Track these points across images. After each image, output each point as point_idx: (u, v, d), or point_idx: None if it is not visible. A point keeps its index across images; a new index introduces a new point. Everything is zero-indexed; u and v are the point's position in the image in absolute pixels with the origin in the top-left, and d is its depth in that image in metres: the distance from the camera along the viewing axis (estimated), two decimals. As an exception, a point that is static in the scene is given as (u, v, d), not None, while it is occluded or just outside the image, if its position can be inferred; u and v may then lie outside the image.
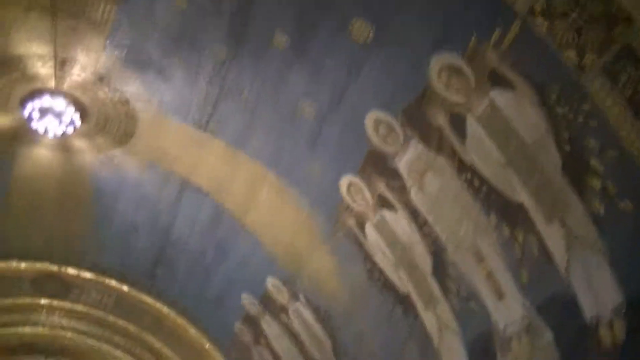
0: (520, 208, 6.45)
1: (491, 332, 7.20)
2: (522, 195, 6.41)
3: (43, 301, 14.67)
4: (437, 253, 7.70)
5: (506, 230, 6.70)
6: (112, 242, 12.59)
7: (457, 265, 7.48)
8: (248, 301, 11.79)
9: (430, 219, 7.59)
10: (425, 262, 7.89)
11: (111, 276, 13.68)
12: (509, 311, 6.93)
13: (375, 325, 9.12)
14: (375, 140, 7.78)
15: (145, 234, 12.06)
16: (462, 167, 6.93)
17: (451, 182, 7.11)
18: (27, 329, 15.49)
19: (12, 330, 15.37)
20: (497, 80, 6.20)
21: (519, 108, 6.13)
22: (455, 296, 7.66)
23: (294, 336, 11.18)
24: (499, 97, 6.26)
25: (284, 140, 9.00)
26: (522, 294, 6.75)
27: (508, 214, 6.64)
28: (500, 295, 6.99)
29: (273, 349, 11.95)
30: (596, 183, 5.65)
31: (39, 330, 15.58)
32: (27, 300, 14.59)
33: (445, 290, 7.76)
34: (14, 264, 13.52)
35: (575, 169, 5.81)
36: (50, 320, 15.27)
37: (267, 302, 11.41)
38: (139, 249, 12.56)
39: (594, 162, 5.61)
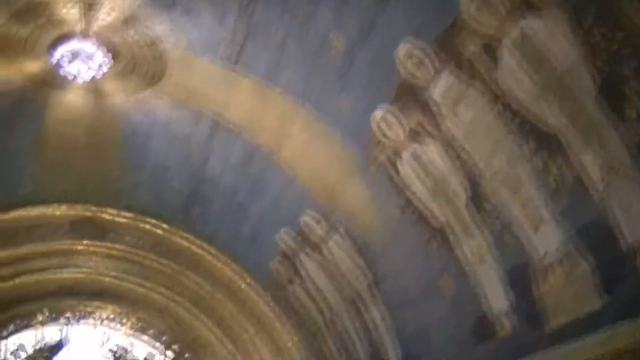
0: (554, 137, 6.47)
1: (527, 263, 7.30)
2: (556, 124, 6.42)
3: (81, 245, 15.09)
4: (472, 185, 7.76)
5: (541, 160, 6.73)
6: (146, 183, 12.85)
7: (492, 196, 7.55)
8: (284, 237, 12.00)
9: (464, 150, 7.65)
10: (459, 194, 7.97)
11: (147, 217, 13.99)
12: (545, 241, 6.99)
13: (411, 257, 9.26)
14: (406, 71, 7.81)
15: (178, 173, 12.28)
16: (495, 97, 6.95)
17: (484, 112, 7.15)
18: (67, 273, 16.00)
19: (52, 274, 15.89)
20: (528, 6, 6.18)
21: (551, 35, 6.10)
22: (490, 227, 7.74)
23: (331, 270, 11.38)
24: (531, 24, 6.24)
25: (313, 74, 9.06)
26: (558, 223, 6.80)
27: (542, 143, 6.66)
28: (536, 225, 7.05)
29: (311, 284, 12.18)
30: (632, 110, 5.67)
31: (78, 273, 16.09)
32: (65, 244, 15.01)
33: (480, 221, 7.84)
34: (50, 209, 13.87)
35: (611, 96, 5.81)
36: (88, 263, 15.72)
37: (303, 237, 11.61)
38: (173, 189, 12.80)
39: (630, 89, 5.61)
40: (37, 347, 16.92)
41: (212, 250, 14.16)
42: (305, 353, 13.61)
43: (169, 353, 17.81)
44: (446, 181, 8.10)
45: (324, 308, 12.15)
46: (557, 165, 6.57)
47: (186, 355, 17.77)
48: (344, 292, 11.31)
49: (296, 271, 12.34)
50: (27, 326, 17.31)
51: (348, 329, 11.62)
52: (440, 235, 8.53)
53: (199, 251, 14.26)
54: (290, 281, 12.68)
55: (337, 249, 10.94)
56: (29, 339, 17.31)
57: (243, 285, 14.26)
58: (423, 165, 8.37)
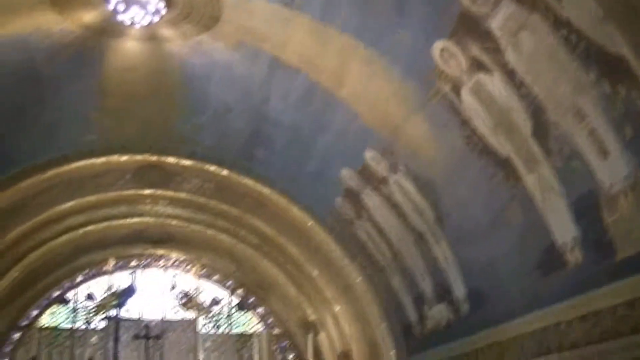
0: (621, 61, 6.40)
1: (596, 191, 7.29)
2: (623, 48, 6.34)
3: (146, 192, 15.52)
4: (536, 114, 7.75)
5: (607, 86, 6.67)
6: (208, 126, 13.07)
7: (558, 125, 7.53)
8: (347, 175, 12.14)
9: (527, 79, 7.63)
10: (524, 124, 7.96)
11: (210, 161, 14.27)
12: (613, 169, 6.97)
13: (476, 191, 9.32)
14: (466, 1, 7.79)
15: (239, 115, 12.43)
16: (558, 24, 6.89)
17: (547, 40, 7.10)
18: (134, 220, 16.50)
19: (120, 221, 16.41)
20: None
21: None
22: (557, 157, 7.73)
23: (395, 207, 11.50)
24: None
25: (371, 9, 9.05)
26: (626, 150, 6.77)
27: (608, 68, 6.60)
28: (603, 153, 7.02)
29: (375, 221, 12.35)
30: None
31: (145, 219, 16.57)
32: (131, 192, 15.46)
33: (546, 151, 7.84)
34: (114, 158, 14.26)
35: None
36: (154, 209, 16.18)
37: (366, 174, 11.73)
38: (235, 131, 13.01)
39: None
40: (108, 294, 17.51)
41: (276, 191, 14.40)
42: (372, 290, 13.84)
43: (236, 295, 18.29)
44: (510, 111, 8.10)
45: (390, 244, 12.32)
46: (623, 91, 6.52)
47: (252, 297, 18.24)
48: (409, 228, 11.43)
49: (361, 208, 12.48)
50: (97, 274, 17.96)
51: (413, 265, 11.79)
52: (505, 167, 8.55)
53: (263, 192, 14.51)
54: (356, 218, 12.83)
55: (400, 185, 11.04)
56: (99, 286, 17.97)
57: (308, 224, 14.48)
58: (486, 96, 8.37)
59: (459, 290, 10.62)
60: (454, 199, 9.99)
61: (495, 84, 8.15)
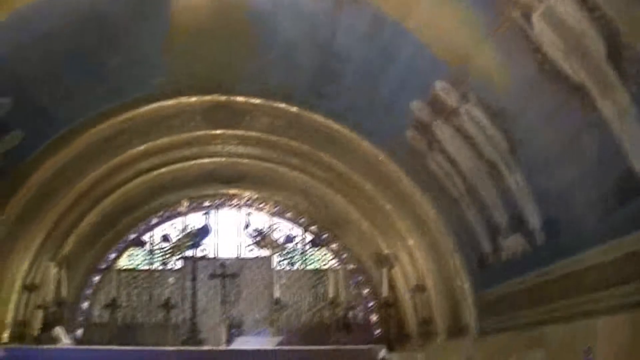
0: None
1: (675, 113, 7.25)
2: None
3: (217, 132, 15.85)
4: (611, 37, 7.66)
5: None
6: (276, 64, 13.21)
7: (634, 47, 7.47)
8: (418, 107, 12.16)
9: (599, 1, 7.58)
10: (598, 47, 7.87)
11: (279, 99, 14.47)
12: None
13: (549, 118, 9.28)
14: None
15: (307, 51, 12.50)
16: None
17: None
18: (206, 160, 16.87)
19: (192, 162, 16.81)
20: None
21: None
22: (634, 80, 7.65)
23: (467, 138, 11.51)
24: None
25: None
26: None
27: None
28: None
29: (447, 153, 12.39)
30: None
31: (217, 160, 16.93)
32: (202, 132, 15.81)
33: (622, 74, 7.73)
34: (183, 99, 14.60)
35: None
36: (225, 149, 16.51)
37: (436, 106, 11.73)
38: (303, 68, 13.13)
39: None
40: (183, 235, 18.02)
41: (346, 126, 14.55)
42: (445, 222, 13.97)
43: (309, 232, 18.63)
44: (582, 35, 8.01)
45: (462, 175, 12.38)
46: None
47: (326, 233, 18.55)
48: (482, 159, 11.45)
49: (432, 140, 12.53)
50: (171, 215, 18.48)
51: (487, 196, 11.84)
52: (579, 93, 8.50)
53: (333, 128, 14.68)
54: (427, 150, 12.89)
55: (472, 115, 11.02)
56: (173, 228, 18.49)
57: (380, 158, 14.63)
58: (557, 21, 8.28)
59: (534, 220, 10.63)
60: (527, 127, 9.96)
61: (566, 8, 8.07)
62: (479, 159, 11.56)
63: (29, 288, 15.53)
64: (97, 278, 18.02)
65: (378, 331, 17.72)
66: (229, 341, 13.71)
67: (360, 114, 13.93)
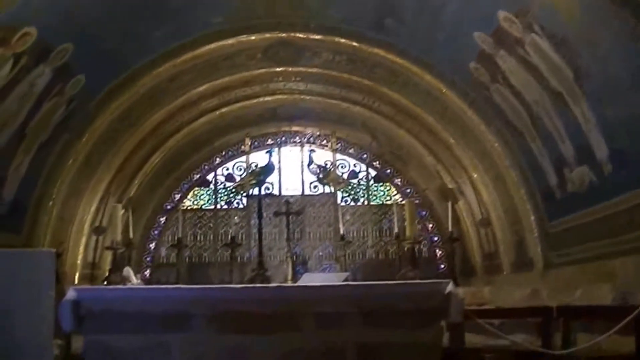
0: None
1: None
2: None
3: (278, 69, 15.92)
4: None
5: None
6: (336, -1, 13.24)
7: None
8: (480, 39, 12.04)
9: None
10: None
11: (340, 34, 14.45)
12: None
13: (616, 47, 9.13)
14: None
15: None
16: None
17: None
18: (268, 98, 17.00)
19: (254, 101, 16.96)
20: None
21: None
22: None
23: (531, 68, 11.41)
24: None
25: None
26: None
27: None
28: None
29: (511, 84, 12.30)
30: None
31: (278, 97, 17.05)
32: (263, 70, 15.90)
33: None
34: (243, 37, 14.66)
35: None
36: (287, 86, 16.61)
37: (500, 36, 11.63)
38: (364, 1, 13.12)
39: None
40: (246, 173, 18.27)
41: (408, 60, 14.47)
42: (510, 155, 13.91)
43: (372, 168, 18.72)
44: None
45: (527, 107, 12.29)
46: None
47: (389, 168, 18.62)
48: (547, 90, 11.34)
49: (496, 71, 12.43)
50: (234, 154, 18.73)
51: (552, 127, 11.74)
52: (648, 18, 8.37)
53: (395, 61, 14.63)
54: (491, 82, 12.80)
55: (536, 45, 10.89)
56: (237, 167, 18.75)
57: (443, 91, 14.56)
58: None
59: (601, 151, 10.55)
60: (593, 56, 9.81)
61: None
62: (543, 89, 11.45)
63: (98, 230, 16.03)
64: (163, 219, 18.45)
65: (443, 266, 17.86)
66: (295, 278, 14.01)
67: (423, 47, 13.86)
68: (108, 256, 15.77)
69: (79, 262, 15.64)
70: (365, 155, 18.71)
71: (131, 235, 15.31)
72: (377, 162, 18.71)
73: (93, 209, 15.93)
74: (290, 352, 7.15)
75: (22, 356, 7.12)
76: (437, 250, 18.16)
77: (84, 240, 15.79)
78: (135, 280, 11.22)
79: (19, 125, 12.37)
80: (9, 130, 12.17)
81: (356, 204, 18.53)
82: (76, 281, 15.16)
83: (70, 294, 7.39)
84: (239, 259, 17.47)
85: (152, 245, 18.31)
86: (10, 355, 7.03)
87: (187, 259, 17.67)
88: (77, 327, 7.48)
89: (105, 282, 13.85)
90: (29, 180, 13.29)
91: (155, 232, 18.38)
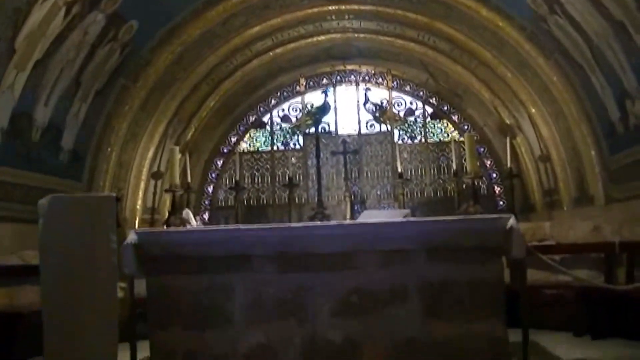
0: None
1: None
2: None
3: (331, 7, 15.80)
4: None
5: None
6: None
7: None
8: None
9: None
10: None
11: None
12: None
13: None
14: None
15: None
16: None
17: None
18: (321, 37, 16.91)
19: (308, 40, 16.88)
20: None
21: None
22: None
23: (592, -2, 11.21)
24: None
25: None
26: None
27: None
28: None
29: (570, 16, 12.03)
30: None
31: (332, 36, 16.96)
32: (316, 9, 15.79)
33: None
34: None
35: None
36: (341, 25, 16.49)
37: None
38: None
39: None
40: (302, 114, 18.27)
41: (463, -7, 14.31)
42: (569, 89, 13.68)
43: (429, 105, 18.57)
44: None
45: (587, 39, 12.04)
46: None
47: (446, 104, 18.46)
48: (608, 19, 11.10)
49: (554, 2, 12.17)
50: (290, 95, 18.73)
51: (614, 59, 11.50)
52: None
53: (450, -5, 14.48)
54: (549, 14, 12.56)
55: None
56: (293, 107, 18.77)
57: (500, 24, 14.32)
58: None
59: (666, 81, 10.34)
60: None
61: None
62: (604, 19, 11.18)
63: (156, 175, 16.27)
64: (220, 162, 18.60)
65: (502, 203, 17.76)
66: (353, 217, 14.06)
67: (479, -20, 13.64)
68: (167, 200, 16.03)
69: (138, 207, 15.94)
70: (421, 93, 18.55)
71: (189, 178, 15.50)
72: (434, 99, 18.54)
73: (150, 154, 16.16)
74: (352, 290, 7.25)
75: (86, 300, 7.30)
76: (496, 187, 18.03)
77: (142, 185, 16.05)
78: (194, 223, 11.36)
79: (75, 74, 12.56)
80: (65, 79, 12.36)
81: (413, 141, 18.43)
82: (136, 226, 15.47)
83: (132, 237, 7.56)
84: (297, 199, 17.59)
85: (210, 189, 18.51)
86: (75, 299, 7.23)
87: (245, 202, 17.82)
88: (139, 270, 7.68)
89: (164, 225, 14.07)
90: (87, 127, 13.54)
91: (213, 175, 18.55)
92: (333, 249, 7.27)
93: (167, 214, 14.47)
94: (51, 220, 7.45)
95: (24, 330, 9.42)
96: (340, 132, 18.41)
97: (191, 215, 10.70)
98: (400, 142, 18.26)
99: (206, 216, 18.05)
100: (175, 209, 11.51)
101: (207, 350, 7.21)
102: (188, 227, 10.04)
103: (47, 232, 7.44)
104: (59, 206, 7.56)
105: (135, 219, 15.77)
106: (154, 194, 16.55)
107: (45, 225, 7.43)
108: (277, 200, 18.09)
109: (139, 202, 15.98)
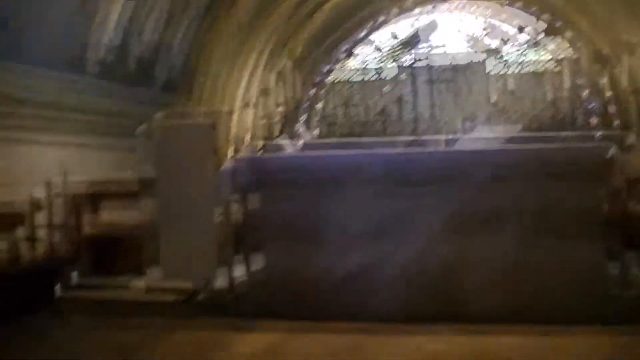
0: None
1: None
2: None
3: None
4: None
5: None
6: None
7: None
8: None
9: None
10: None
11: None
12: None
13: None
14: None
15: None
16: None
17: None
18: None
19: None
20: None
21: None
22: None
23: None
24: None
25: None
26: None
27: None
28: None
29: None
30: None
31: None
32: None
33: None
34: None
35: None
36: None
37: None
38: None
39: None
40: (395, 43, 18.09)
41: None
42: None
43: (540, 23, 17.90)
44: None
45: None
46: None
47: (558, 22, 17.74)
48: None
49: None
50: (382, 24, 18.49)
51: None
52: None
53: None
54: None
55: None
56: (385, 36, 18.55)
57: None
58: None
59: None
60: None
61: None
62: None
63: (264, 92, 16.35)
64: (312, 91, 18.58)
65: (617, 123, 17.11)
66: (448, 145, 13.95)
67: None
68: (261, 127, 16.15)
69: (249, 124, 16.09)
70: (532, 10, 17.79)
71: (297, 95, 15.55)
72: (544, 18, 17.78)
73: (259, 71, 16.23)
74: (451, 213, 7.22)
75: (189, 217, 7.55)
76: (593, 118, 17.50)
77: (252, 102, 16.17)
78: (306, 137, 11.33)
79: (168, 4, 12.64)
80: (158, 10, 12.45)
81: (507, 71, 18.05)
82: (234, 150, 15.68)
83: (229, 163, 7.71)
84: (390, 128, 17.52)
85: (304, 117, 18.58)
86: (180, 217, 7.48)
87: (338, 129, 17.85)
88: (235, 193, 7.84)
89: (261, 150, 14.20)
90: (182, 57, 13.69)
91: (305, 105, 18.60)
92: (430, 175, 7.24)
93: (263, 139, 14.63)
94: (152, 146, 7.66)
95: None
96: (433, 61, 18.14)
97: (289, 140, 10.77)
98: (494, 71, 17.89)
99: (316, 132, 18.04)
100: (285, 125, 11.57)
101: (310, 268, 7.31)
102: (300, 141, 10.06)
103: (149, 158, 7.66)
104: (158, 133, 7.77)
105: (247, 135, 15.94)
106: (254, 118, 16.65)
107: (146, 151, 7.65)
108: (370, 129, 18.04)
109: (249, 119, 16.10)
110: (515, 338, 6.37)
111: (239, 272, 7.84)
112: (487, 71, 17.75)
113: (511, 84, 17.81)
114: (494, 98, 15.10)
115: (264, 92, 15.12)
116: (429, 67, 17.63)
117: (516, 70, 18.05)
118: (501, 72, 18.05)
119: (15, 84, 9.47)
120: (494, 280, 6.97)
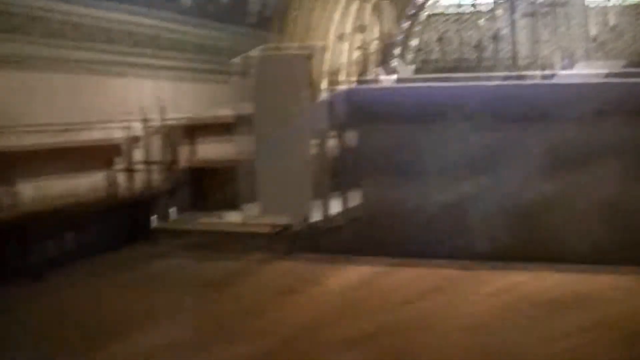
0: None
1: None
2: None
3: None
4: None
5: None
6: None
7: None
8: None
9: None
10: None
11: None
12: None
13: None
14: None
15: None
16: None
17: None
18: None
19: None
20: None
21: None
22: None
23: None
24: None
25: None
26: None
27: None
28: None
29: None
30: None
31: None
32: None
33: None
34: None
35: None
36: None
37: None
38: None
39: None
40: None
41: None
42: None
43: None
44: None
45: None
46: None
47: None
48: None
49: None
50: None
51: None
52: None
53: None
54: None
55: None
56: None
57: None
58: None
59: None
60: None
61: None
62: None
63: (359, 27, 16.16)
64: (406, 24, 18.21)
65: None
66: (547, 79, 13.56)
67: None
68: (358, 60, 15.94)
69: (343, 60, 15.97)
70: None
71: (380, 38, 15.35)
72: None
73: (354, 9, 16.00)
74: (548, 150, 7.05)
75: (285, 155, 7.58)
76: None
77: (332, 44, 16.03)
78: (404, 70, 11.12)
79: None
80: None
81: (608, 3, 17.31)
82: (330, 84, 15.60)
83: (325, 94, 7.66)
84: (486, 61, 17.09)
85: (397, 51, 18.27)
86: (277, 150, 7.53)
87: (433, 64, 17.52)
88: (331, 126, 7.80)
89: (356, 83, 14.05)
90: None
91: (400, 37, 18.26)
92: (527, 109, 7.06)
93: (357, 73, 14.48)
94: (248, 80, 7.67)
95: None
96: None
97: (384, 73, 10.62)
98: (594, 4, 17.16)
99: (412, 68, 17.82)
100: (381, 61, 11.43)
101: (407, 204, 7.27)
102: (397, 75, 9.92)
103: (244, 93, 7.68)
104: (255, 66, 7.77)
105: (325, 77, 15.86)
106: (349, 51, 16.47)
107: (241, 87, 7.66)
108: (466, 63, 17.63)
109: (344, 56, 15.97)
110: (618, 278, 6.23)
111: (336, 207, 7.85)
112: (585, 3, 16.99)
113: (612, 18, 17.06)
114: (593, 32, 14.51)
115: (359, 27, 14.89)
116: (527, 0, 17.01)
117: (617, 3, 17.28)
118: (601, 5, 17.29)
119: (117, 20, 9.60)
120: (593, 219, 6.79)
